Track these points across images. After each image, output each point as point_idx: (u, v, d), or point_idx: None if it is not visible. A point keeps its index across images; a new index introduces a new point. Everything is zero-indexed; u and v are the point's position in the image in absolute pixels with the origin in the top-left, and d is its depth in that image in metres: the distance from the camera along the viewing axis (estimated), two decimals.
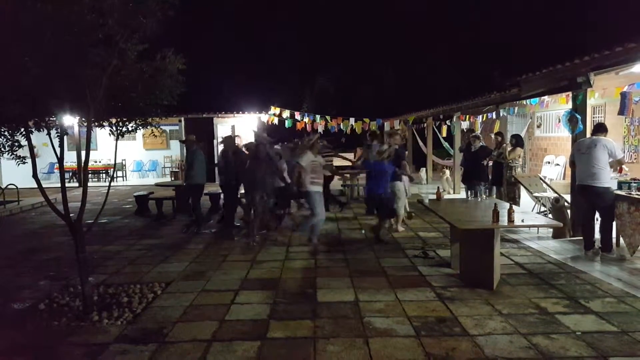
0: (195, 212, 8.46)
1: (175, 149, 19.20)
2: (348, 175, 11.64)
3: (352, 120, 15.73)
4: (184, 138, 10.14)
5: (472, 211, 5.87)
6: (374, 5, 30.67)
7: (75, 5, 3.89)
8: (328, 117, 15.82)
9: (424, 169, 16.45)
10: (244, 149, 8.30)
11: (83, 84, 4.25)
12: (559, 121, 9.24)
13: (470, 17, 26.18)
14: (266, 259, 6.46)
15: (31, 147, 4.52)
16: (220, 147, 9.45)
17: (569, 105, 7.88)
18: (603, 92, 8.71)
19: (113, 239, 8.03)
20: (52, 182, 16.62)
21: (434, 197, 6.63)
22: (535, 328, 3.99)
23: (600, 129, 6.31)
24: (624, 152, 9.93)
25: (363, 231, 8.07)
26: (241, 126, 16.96)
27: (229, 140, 8.62)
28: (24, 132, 4.51)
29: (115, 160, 5.46)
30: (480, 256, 5.11)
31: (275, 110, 15.82)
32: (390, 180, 7.38)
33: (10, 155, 4.60)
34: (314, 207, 6.81)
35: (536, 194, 8.60)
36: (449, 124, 14.71)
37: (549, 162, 13.14)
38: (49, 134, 4.67)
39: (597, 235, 6.26)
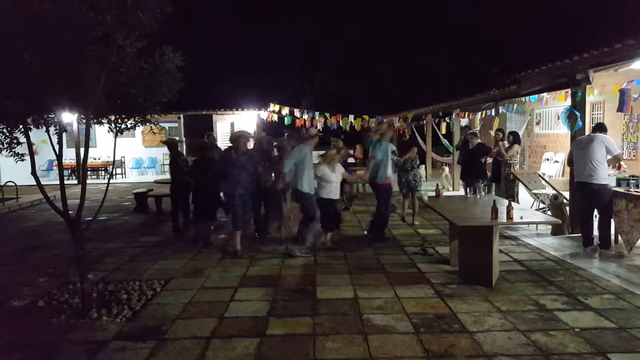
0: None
1: None
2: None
3: (351, 117, 15.73)
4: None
5: (471, 208, 5.87)
6: (373, 2, 30.61)
7: (74, 2, 3.88)
8: (327, 114, 15.82)
9: (423, 166, 16.43)
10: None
11: (82, 81, 4.24)
12: (558, 118, 9.22)
13: (470, 14, 26.11)
14: (265, 256, 6.47)
15: (30, 145, 4.51)
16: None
17: (568, 102, 7.88)
18: (602, 89, 8.70)
19: (112, 236, 8.02)
20: (51, 179, 16.59)
21: (433, 194, 6.63)
22: (534, 325, 4.01)
23: (599, 128, 6.34)
24: (623, 149, 9.93)
25: (365, 232, 8.02)
26: (240, 123, 16.96)
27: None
28: (22, 129, 4.50)
29: (114, 158, 5.44)
30: (479, 253, 5.11)
31: (274, 107, 15.81)
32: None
33: (9, 152, 4.58)
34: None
35: (535, 191, 8.60)
36: (448, 121, 14.70)
37: (547, 159, 13.13)
38: (47, 131, 4.65)
39: (596, 232, 6.28)
